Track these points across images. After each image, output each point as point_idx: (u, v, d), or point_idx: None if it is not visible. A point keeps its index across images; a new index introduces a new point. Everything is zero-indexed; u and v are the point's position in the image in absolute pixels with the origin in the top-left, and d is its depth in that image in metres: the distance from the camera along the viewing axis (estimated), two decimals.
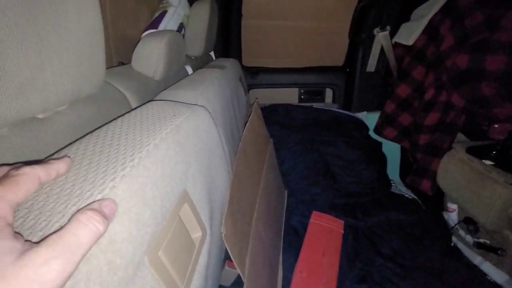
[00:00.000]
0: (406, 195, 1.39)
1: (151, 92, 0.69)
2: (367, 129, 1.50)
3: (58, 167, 0.25)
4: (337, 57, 1.63)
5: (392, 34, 1.39)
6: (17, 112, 0.30)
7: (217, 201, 0.55)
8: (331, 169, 1.33)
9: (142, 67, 0.70)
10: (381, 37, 1.40)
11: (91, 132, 0.37)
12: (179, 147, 0.39)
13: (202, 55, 1.15)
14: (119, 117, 0.43)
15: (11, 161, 0.33)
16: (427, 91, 1.13)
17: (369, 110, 1.58)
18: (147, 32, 0.91)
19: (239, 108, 1.09)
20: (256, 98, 1.14)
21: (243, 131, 1.10)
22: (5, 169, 0.21)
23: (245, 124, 1.24)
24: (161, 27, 0.93)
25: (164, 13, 0.97)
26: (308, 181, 1.27)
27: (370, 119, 1.54)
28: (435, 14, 1.16)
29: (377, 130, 1.48)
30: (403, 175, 1.55)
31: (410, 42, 1.23)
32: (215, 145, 0.54)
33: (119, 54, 0.80)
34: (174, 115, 0.45)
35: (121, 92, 0.59)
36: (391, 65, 1.42)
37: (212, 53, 1.46)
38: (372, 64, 1.50)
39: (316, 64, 1.65)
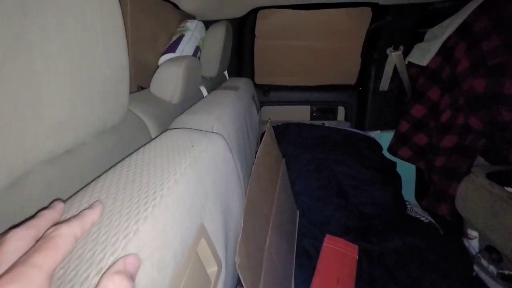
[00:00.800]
0: (423, 218, 1.34)
1: (168, 116, 0.71)
2: (380, 148, 1.47)
3: (92, 218, 0.25)
4: (349, 75, 1.63)
5: (405, 54, 1.39)
6: (50, 151, 0.31)
7: (232, 229, 0.55)
8: (344, 189, 1.30)
9: (160, 92, 0.73)
10: (394, 57, 1.40)
11: (114, 165, 0.38)
12: (197, 181, 0.40)
13: (217, 75, 1.18)
14: (140, 147, 0.45)
15: (42, 195, 0.34)
16: (443, 113, 1.11)
17: (383, 129, 1.56)
18: (165, 56, 0.95)
19: (252, 127, 1.10)
20: (269, 118, 1.15)
21: (255, 149, 1.11)
22: (42, 222, 0.22)
23: (258, 142, 1.25)
24: (179, 50, 0.97)
25: (181, 37, 1.01)
26: (320, 202, 1.24)
27: (384, 138, 1.52)
28: (450, 36, 1.15)
29: (391, 149, 1.45)
30: (418, 196, 1.51)
31: (424, 62, 1.23)
32: (231, 172, 0.55)
33: (138, 78, 0.83)
34: (193, 146, 0.46)
35: (140, 119, 0.60)
36: (405, 85, 1.41)
37: (225, 72, 1.50)
38: (385, 83, 1.49)
39: (328, 82, 1.65)
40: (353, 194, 1.30)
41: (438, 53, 1.20)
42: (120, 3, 0.74)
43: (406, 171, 1.49)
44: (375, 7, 1.32)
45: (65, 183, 0.38)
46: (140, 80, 0.84)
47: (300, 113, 1.72)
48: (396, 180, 1.42)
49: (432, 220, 1.32)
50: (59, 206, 0.26)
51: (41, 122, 0.28)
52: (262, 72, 1.67)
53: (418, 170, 1.50)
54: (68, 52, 0.31)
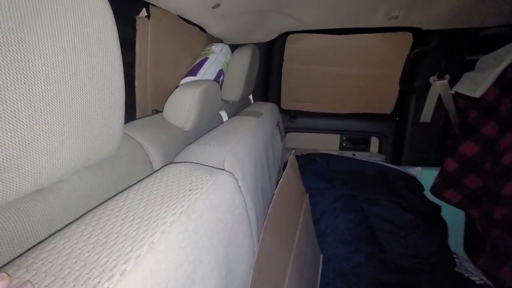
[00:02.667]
0: (475, 278, 1.10)
1: (178, 144, 0.64)
2: (422, 188, 1.28)
3: None
4: (385, 104, 1.49)
5: (451, 83, 1.23)
6: (31, 185, 0.25)
7: None
8: (377, 234, 1.13)
9: (172, 118, 0.67)
10: (438, 86, 1.24)
11: (95, 207, 0.31)
12: (186, 241, 0.30)
13: (240, 100, 1.12)
14: (128, 187, 0.37)
15: (14, 236, 0.28)
16: (505, 154, 0.92)
17: (424, 165, 1.37)
18: (185, 79, 0.91)
19: (275, 156, 1.00)
20: (293, 149, 1.04)
21: (276, 180, 1.00)
22: None
23: (280, 171, 1.14)
24: (200, 74, 0.92)
25: (204, 60, 0.97)
26: (348, 247, 1.08)
27: (425, 176, 1.32)
28: (509, 65, 0.99)
29: (435, 191, 1.25)
30: (469, 249, 1.26)
31: (477, 94, 1.06)
32: (238, 222, 0.44)
33: (154, 102, 0.79)
34: (190, 190, 0.37)
35: (141, 147, 0.54)
36: (451, 117, 1.24)
37: (251, 96, 1.44)
38: (427, 114, 1.33)
39: (361, 110, 1.52)
40: (388, 242, 1.12)
41: (494, 84, 1.03)
42: (141, 24, 0.72)
43: (454, 217, 1.26)
44: (416, 32, 1.21)
45: (41, 221, 0.31)
46: (157, 103, 0.80)
47: (328, 142, 1.59)
48: (441, 227, 1.21)
49: (489, 283, 1.07)
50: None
51: (27, 154, 0.22)
52: (289, 97, 1.59)
53: (468, 218, 1.27)
54: (62, 81, 0.26)
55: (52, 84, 0.27)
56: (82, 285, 0.21)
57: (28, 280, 0.20)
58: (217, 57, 1.00)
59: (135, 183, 0.37)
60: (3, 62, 0.23)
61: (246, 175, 0.60)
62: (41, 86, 0.26)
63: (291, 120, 1.59)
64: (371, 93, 1.46)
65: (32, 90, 0.25)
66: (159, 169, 0.43)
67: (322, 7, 1.04)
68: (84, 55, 0.30)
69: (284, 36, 1.37)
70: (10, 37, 0.23)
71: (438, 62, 1.24)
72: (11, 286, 0.20)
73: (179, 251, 0.29)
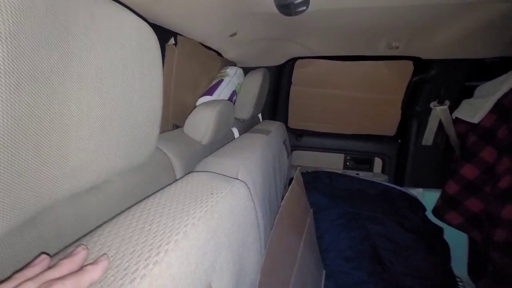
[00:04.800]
0: None
1: (196, 157, 0.71)
2: (423, 209, 1.31)
3: (91, 277, 0.23)
4: (388, 126, 1.56)
5: (451, 108, 1.30)
6: (69, 190, 0.31)
7: None
8: (379, 252, 1.15)
9: (192, 132, 0.75)
10: (439, 111, 1.31)
11: (128, 208, 0.37)
12: (210, 234, 0.37)
13: (250, 118, 1.20)
14: (160, 189, 0.44)
15: (54, 234, 0.34)
16: (502, 178, 0.97)
17: (425, 187, 1.41)
18: (202, 98, 1.00)
19: (281, 172, 1.06)
20: (299, 166, 1.11)
21: (282, 195, 1.05)
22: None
23: (285, 187, 1.19)
24: (216, 93, 1.01)
25: (220, 81, 1.07)
26: (350, 264, 1.10)
27: (427, 197, 1.36)
28: (506, 94, 1.06)
29: (437, 212, 1.28)
30: (473, 272, 1.27)
31: (475, 120, 1.12)
32: (250, 225, 0.50)
33: (175, 117, 0.88)
34: (212, 194, 0.43)
35: (167, 157, 0.61)
36: (452, 141, 1.29)
37: (259, 115, 1.53)
38: (428, 138, 1.38)
39: (365, 132, 1.59)
40: (390, 261, 1.14)
41: (492, 111, 1.09)
42: (169, 50, 0.82)
43: (456, 239, 1.28)
44: (417, 60, 1.30)
45: (82, 219, 0.38)
46: (177, 119, 0.89)
47: (333, 161, 1.65)
48: (443, 249, 1.22)
49: None
50: (44, 262, 0.25)
51: (64, 162, 0.29)
52: (296, 117, 1.67)
53: (471, 241, 1.28)
54: (103, 98, 0.33)
55: (107, 100, 0.34)
56: (137, 257, 0.27)
57: (105, 254, 0.27)
58: (231, 79, 1.10)
59: (165, 186, 0.44)
60: (66, 81, 0.28)
61: (256, 186, 0.67)
62: (98, 102, 0.32)
63: (298, 138, 1.66)
64: (375, 116, 1.53)
65: (90, 105, 0.31)
66: (184, 176, 0.50)
67: (329, 37, 1.14)
68: (138, 76, 0.38)
69: (292, 60, 1.47)
70: (68, 59, 0.28)
71: (438, 88, 1.32)
72: (90, 257, 0.26)
73: (205, 242, 0.35)
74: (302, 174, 1.32)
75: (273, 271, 0.63)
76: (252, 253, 0.51)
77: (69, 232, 0.36)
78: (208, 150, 0.79)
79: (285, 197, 0.83)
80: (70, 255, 0.25)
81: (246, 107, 1.13)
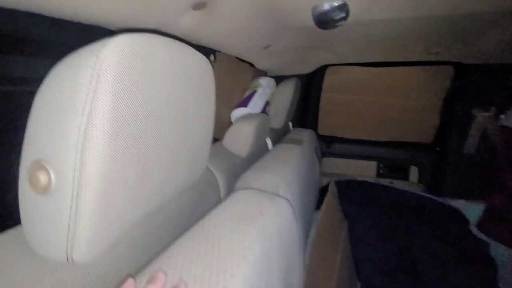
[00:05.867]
0: None
1: (236, 170, 0.74)
2: (466, 222, 1.23)
3: None
4: (424, 133, 1.49)
5: (498, 115, 1.21)
6: (143, 215, 0.34)
7: None
8: (417, 266, 1.10)
9: (231, 146, 0.77)
10: (483, 119, 1.23)
11: (188, 228, 0.40)
12: (264, 255, 0.38)
13: (282, 127, 1.22)
14: (212, 209, 0.46)
15: (133, 253, 0.38)
16: None
17: (468, 198, 1.32)
18: (237, 110, 1.03)
19: (313, 180, 1.06)
20: (332, 179, 1.10)
21: (314, 204, 1.05)
22: None
23: (316, 196, 1.19)
24: (250, 105, 1.04)
25: (254, 92, 1.09)
26: (386, 277, 1.07)
27: (471, 210, 1.27)
28: None
29: (482, 226, 1.20)
30: None
31: None
32: (294, 243, 0.52)
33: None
34: (261, 213, 0.45)
35: (211, 172, 0.64)
36: (498, 150, 1.20)
37: (290, 122, 1.54)
38: (471, 146, 1.30)
39: (399, 139, 1.53)
40: (429, 276, 1.09)
41: None
42: None
43: (503, 255, 1.19)
44: (458, 65, 1.23)
45: (149, 242, 0.41)
46: (214, 132, 0.92)
47: (365, 169, 1.61)
48: (490, 266, 1.14)
49: None
50: (130, 283, 0.27)
51: (143, 190, 0.32)
52: (326, 123, 1.66)
53: None
54: (173, 127, 0.36)
55: (176, 129, 0.37)
56: (208, 281, 0.30)
57: (181, 278, 0.30)
58: (265, 90, 1.12)
59: (216, 206, 0.47)
60: (148, 120, 0.31)
61: (295, 201, 0.68)
62: (169, 132, 0.35)
63: (328, 145, 1.64)
64: (410, 122, 1.48)
65: (164, 135, 0.34)
66: (230, 194, 0.52)
67: (363, 45, 1.12)
68: (197, 105, 0.41)
69: (323, 67, 1.46)
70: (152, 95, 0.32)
71: (481, 94, 1.24)
72: (169, 280, 0.29)
73: (260, 264, 0.37)
74: (334, 182, 1.31)
75: (314, 287, 0.63)
76: (296, 270, 0.53)
77: (140, 253, 0.39)
78: (246, 162, 0.82)
79: (321, 211, 0.83)
80: (152, 280, 0.28)
81: (279, 117, 1.15)
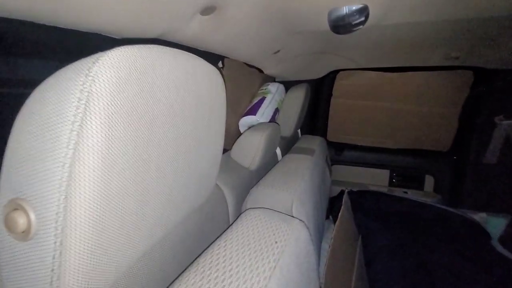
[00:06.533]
0: None
1: (245, 183, 0.69)
2: (488, 237, 1.16)
3: None
4: (440, 141, 1.42)
5: None
6: (144, 250, 0.30)
7: None
8: (437, 285, 1.03)
9: (240, 158, 0.73)
10: (506, 126, 1.16)
11: (200, 256, 0.36)
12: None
13: (292, 135, 1.17)
14: (223, 233, 0.42)
15: (141, 284, 0.34)
16: None
17: (490, 211, 1.25)
18: (245, 118, 0.99)
19: (325, 191, 1.01)
20: (346, 189, 1.04)
21: (324, 215, 0.99)
22: None
23: (327, 205, 1.13)
24: (259, 113, 0.99)
25: (262, 99, 1.04)
26: None
27: (493, 224, 1.20)
28: None
29: (505, 242, 1.13)
30: None
31: None
32: (311, 269, 0.47)
33: None
34: (276, 242, 0.41)
35: (220, 189, 0.60)
36: None
37: (298, 129, 1.49)
38: (492, 156, 1.23)
39: (413, 146, 1.47)
40: None
41: None
42: None
43: None
44: (479, 70, 1.16)
45: (150, 270, 0.37)
46: None
47: (377, 177, 1.54)
48: None
49: None
50: None
51: (142, 224, 0.28)
52: (336, 130, 1.60)
53: None
54: (176, 150, 0.32)
55: (179, 151, 0.33)
56: None
57: None
58: (274, 97, 1.07)
59: (226, 229, 0.42)
60: (149, 145, 0.26)
61: (310, 219, 0.63)
62: (172, 155, 0.31)
63: (337, 153, 1.58)
64: (425, 130, 1.41)
65: (166, 160, 0.30)
66: (241, 215, 0.47)
67: (377, 50, 1.06)
68: (206, 121, 0.37)
69: (333, 72, 1.41)
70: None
71: (504, 101, 1.17)
72: None
73: None
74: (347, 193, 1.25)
75: None
76: None
77: (140, 285, 0.35)
78: (255, 174, 0.77)
79: (335, 227, 0.78)
80: None
81: (288, 125, 1.10)
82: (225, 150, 0.80)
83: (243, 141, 0.73)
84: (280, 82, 1.22)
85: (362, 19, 0.60)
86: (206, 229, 0.51)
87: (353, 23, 0.61)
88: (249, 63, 0.97)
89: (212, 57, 0.76)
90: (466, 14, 0.69)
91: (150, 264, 0.37)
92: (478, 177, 1.28)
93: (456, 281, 1.04)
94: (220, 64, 0.79)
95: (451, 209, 1.22)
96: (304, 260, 0.43)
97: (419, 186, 1.45)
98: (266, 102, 1.04)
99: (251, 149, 0.72)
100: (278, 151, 1.07)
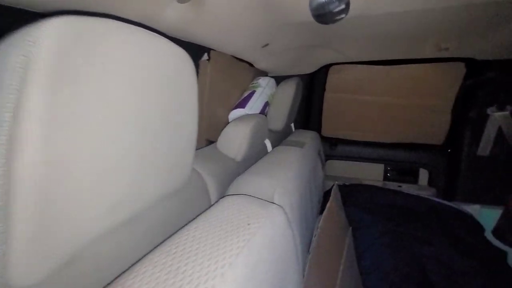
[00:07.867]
0: None
1: (230, 173, 0.69)
2: (481, 229, 1.15)
3: None
4: (434, 134, 1.41)
5: None
6: (108, 227, 0.30)
7: None
8: (430, 278, 1.03)
9: (225, 149, 0.73)
10: (498, 118, 1.15)
11: (170, 237, 0.36)
12: (249, 273, 0.33)
13: (283, 128, 1.17)
14: (197, 216, 0.42)
15: (99, 268, 0.34)
16: None
17: (483, 203, 1.24)
18: (234, 111, 0.99)
19: (316, 185, 1.01)
20: (336, 182, 1.04)
21: (317, 209, 0.99)
22: None
23: (320, 200, 1.13)
24: (248, 106, 1.00)
25: (252, 93, 1.05)
26: None
27: (486, 216, 1.19)
28: None
29: (498, 233, 1.12)
30: None
31: None
32: (289, 256, 0.46)
33: (208, 132, 0.87)
34: (249, 224, 0.41)
35: (201, 177, 0.60)
36: None
37: (292, 123, 1.48)
38: (485, 148, 1.22)
39: (407, 140, 1.46)
40: (441, 287, 1.01)
41: None
42: (202, 66, 0.82)
43: None
44: (470, 62, 1.16)
45: (122, 253, 0.37)
46: (210, 134, 0.88)
47: (371, 171, 1.54)
48: (507, 277, 1.06)
49: None
50: None
51: (101, 201, 0.28)
52: (329, 125, 1.60)
53: None
54: (141, 129, 0.32)
55: (146, 130, 0.32)
56: None
57: None
58: (264, 90, 1.07)
59: (201, 213, 0.42)
60: (105, 119, 0.26)
61: (294, 208, 0.63)
62: (136, 133, 0.31)
63: (332, 147, 1.58)
64: (419, 123, 1.40)
65: (128, 138, 0.30)
66: (219, 200, 0.47)
67: (368, 42, 1.06)
68: (174, 103, 0.36)
69: (326, 67, 1.41)
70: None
71: (496, 92, 1.16)
72: None
73: (243, 283, 0.32)
74: (339, 187, 1.25)
75: None
76: (291, 284, 0.47)
77: (109, 267, 0.35)
78: (242, 165, 0.77)
79: (322, 217, 0.78)
80: None
81: (279, 118, 1.10)
82: (213, 142, 0.80)
83: (229, 132, 0.73)
84: (273, 77, 1.23)
85: (343, 6, 0.60)
86: (186, 216, 0.51)
87: (334, 11, 0.61)
88: (238, 57, 0.97)
89: (197, 49, 0.76)
90: (455, 1, 0.69)
91: (118, 246, 0.37)
92: (472, 170, 1.27)
93: (449, 273, 1.03)
94: (205, 56, 0.79)
95: (444, 202, 1.22)
96: (278, 243, 0.43)
97: (414, 180, 1.45)
98: (255, 95, 1.04)
99: (236, 139, 0.72)
100: (269, 144, 1.07)
